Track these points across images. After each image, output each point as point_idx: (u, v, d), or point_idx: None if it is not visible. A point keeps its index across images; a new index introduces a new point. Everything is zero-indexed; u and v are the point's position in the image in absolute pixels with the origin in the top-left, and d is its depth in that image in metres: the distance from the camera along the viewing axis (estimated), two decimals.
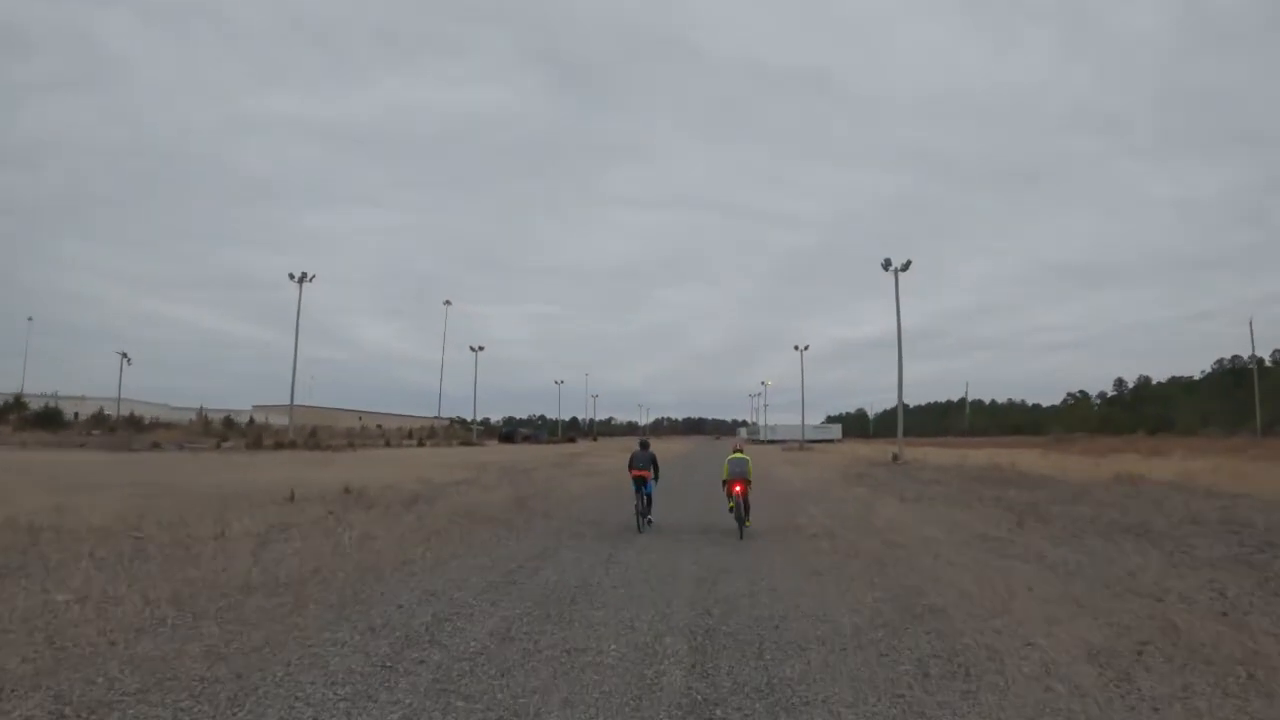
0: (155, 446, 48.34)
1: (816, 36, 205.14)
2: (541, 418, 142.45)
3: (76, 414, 66.89)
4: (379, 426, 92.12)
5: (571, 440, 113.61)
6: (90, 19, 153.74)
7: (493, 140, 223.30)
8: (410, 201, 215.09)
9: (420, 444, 73.67)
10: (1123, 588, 8.53)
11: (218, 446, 48.33)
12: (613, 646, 6.19)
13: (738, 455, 14.03)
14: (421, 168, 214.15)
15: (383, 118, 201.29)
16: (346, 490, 19.29)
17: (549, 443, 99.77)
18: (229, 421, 68.21)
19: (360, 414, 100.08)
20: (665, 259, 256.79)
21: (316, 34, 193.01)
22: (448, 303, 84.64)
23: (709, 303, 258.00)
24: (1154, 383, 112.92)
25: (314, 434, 64.74)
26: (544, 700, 4.94)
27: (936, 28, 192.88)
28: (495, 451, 60.44)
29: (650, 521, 14.13)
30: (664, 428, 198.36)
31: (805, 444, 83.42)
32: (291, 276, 56.04)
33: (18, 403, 62.46)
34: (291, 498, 17.06)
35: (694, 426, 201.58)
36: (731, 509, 13.33)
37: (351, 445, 59.02)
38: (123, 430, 56.66)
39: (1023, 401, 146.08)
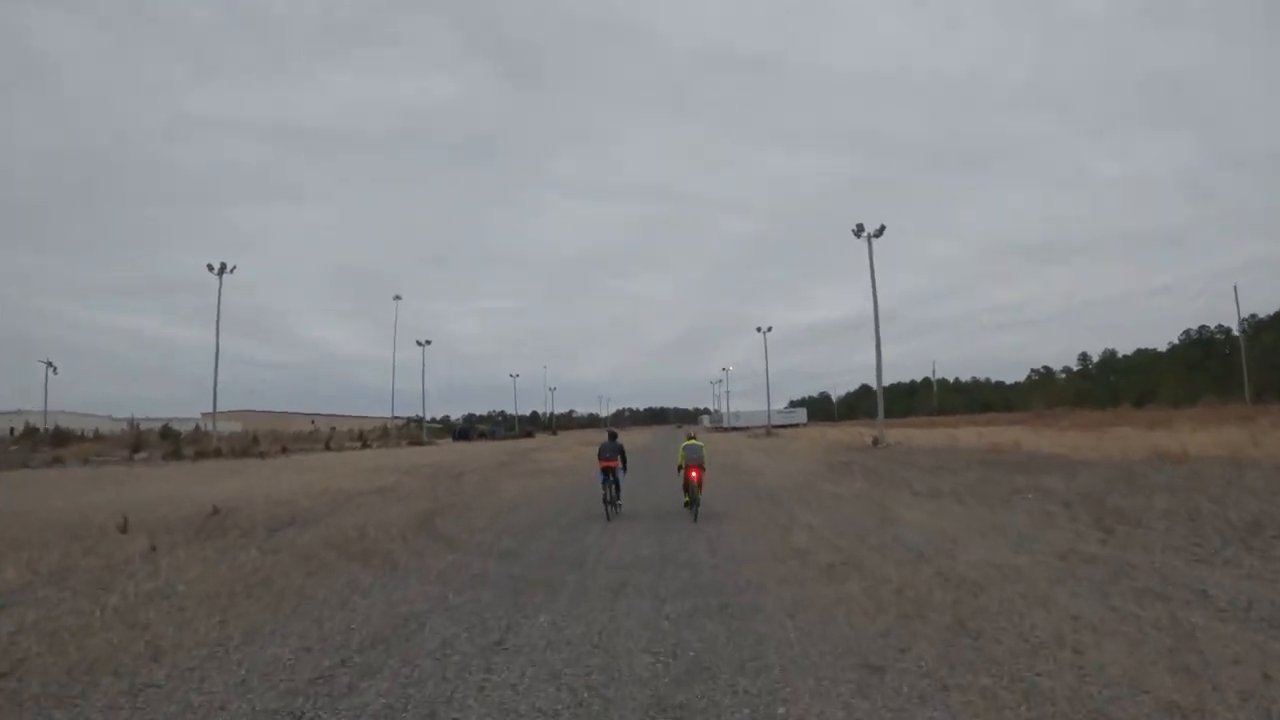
0: (56, 461, 43.36)
1: (764, 19, 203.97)
2: (501, 414, 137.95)
3: (13, 429, 60.80)
4: (333, 429, 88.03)
5: (529, 435, 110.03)
6: (21, 17, 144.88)
7: (439, 133, 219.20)
8: (359, 199, 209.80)
9: (365, 446, 68.83)
10: None
11: (130, 459, 43.06)
12: None
13: (692, 442, 14.40)
14: (368, 164, 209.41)
15: (326, 114, 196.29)
16: (215, 511, 15.50)
17: (506, 439, 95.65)
18: (166, 431, 62.46)
19: (314, 417, 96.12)
20: (619, 249, 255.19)
21: (256, 30, 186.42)
22: (397, 298, 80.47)
23: (664, 292, 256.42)
24: (1120, 355, 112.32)
25: (256, 440, 59.95)
26: None
27: (882, 8, 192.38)
28: (443, 451, 55.84)
29: (620, 507, 14.36)
30: (626, 419, 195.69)
31: (771, 429, 79.70)
32: (210, 268, 50.70)
33: None
34: (124, 527, 13.18)
35: (656, 416, 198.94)
36: (686, 495, 13.96)
37: (285, 451, 54.04)
38: (24, 445, 51.09)
39: (987, 379, 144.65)
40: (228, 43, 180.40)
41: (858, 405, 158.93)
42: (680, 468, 14.01)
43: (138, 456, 43.47)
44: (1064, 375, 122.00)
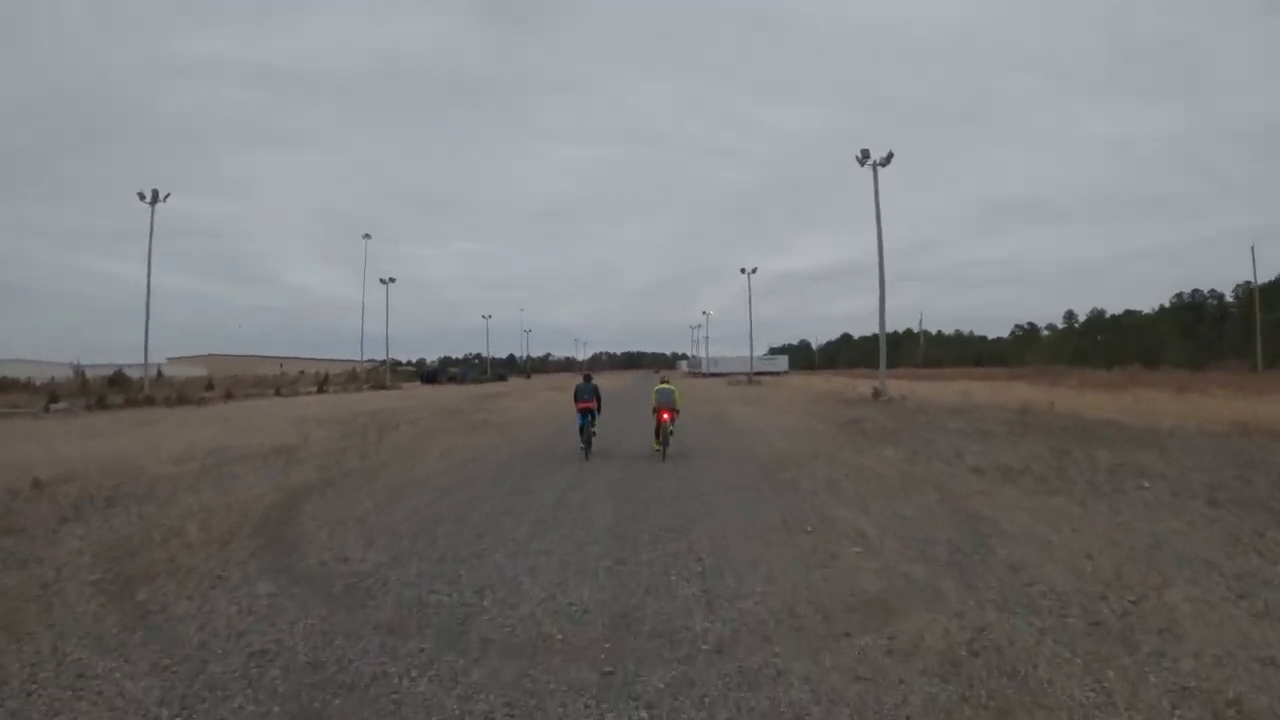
0: None
1: None
2: (477, 357, 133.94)
3: None
4: (301, 373, 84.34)
5: (501, 379, 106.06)
6: None
7: (422, 76, 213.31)
8: (340, 142, 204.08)
9: (322, 390, 64.27)
10: None
11: (46, 409, 38.23)
12: None
13: (665, 386, 15.06)
14: (349, 106, 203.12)
15: (307, 55, 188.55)
16: (36, 484, 11.17)
17: (477, 383, 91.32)
18: (116, 378, 57.24)
19: (282, 360, 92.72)
20: (600, 194, 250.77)
21: None
22: (367, 236, 76.05)
23: (645, 237, 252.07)
24: (1108, 315, 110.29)
25: (207, 386, 56.99)
26: None
27: None
28: (400, 396, 51.35)
29: (594, 434, 14.81)
30: (603, 363, 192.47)
31: (753, 377, 75.85)
32: (142, 197, 45.07)
33: None
34: None
35: (633, 361, 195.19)
36: (657, 435, 14.41)
37: (229, 397, 49.34)
38: None
39: (971, 333, 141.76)
40: None
41: (839, 354, 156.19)
42: (655, 410, 14.57)
43: (55, 407, 38.62)
44: (1048, 332, 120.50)
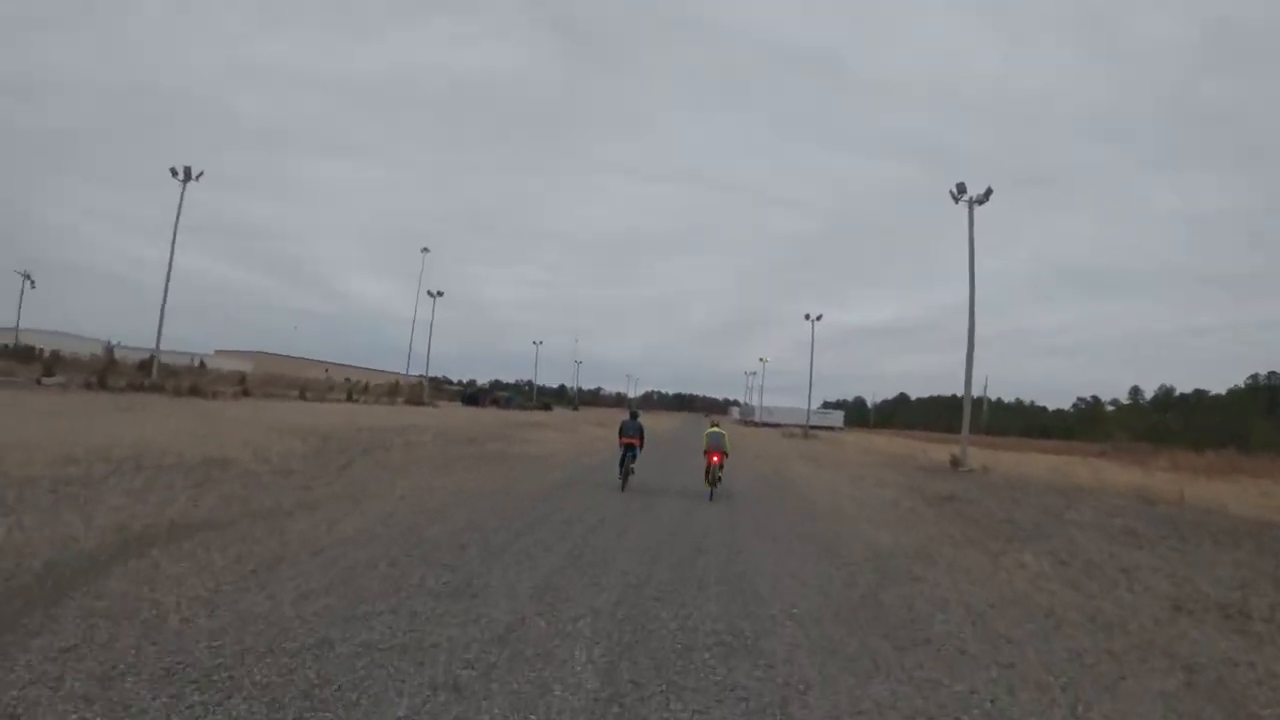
0: None
1: (830, 17, 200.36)
2: (528, 383, 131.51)
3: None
4: (346, 380, 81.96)
5: (546, 408, 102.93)
6: None
7: (497, 102, 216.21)
8: (411, 159, 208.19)
9: (350, 399, 61.70)
10: None
11: (38, 382, 36.39)
12: None
13: (715, 430, 15.96)
14: (424, 125, 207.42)
15: (386, 73, 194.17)
16: None
17: (521, 408, 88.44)
18: (146, 363, 55.82)
19: (328, 366, 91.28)
20: (664, 232, 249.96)
21: None
22: (425, 250, 73.60)
23: (705, 279, 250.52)
24: (1177, 393, 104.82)
25: (240, 380, 54.72)
26: None
27: (950, 20, 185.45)
28: (429, 415, 48.05)
29: (633, 471, 15.34)
30: (654, 402, 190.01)
31: (810, 431, 71.29)
32: (174, 173, 43.16)
33: None
34: None
35: (684, 403, 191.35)
36: (707, 474, 15.03)
37: (247, 393, 47.04)
38: None
39: (1032, 403, 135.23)
40: None
41: (895, 414, 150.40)
42: (705, 452, 15.36)
43: (48, 381, 36.86)
44: (1113, 407, 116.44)
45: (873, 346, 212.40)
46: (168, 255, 43.04)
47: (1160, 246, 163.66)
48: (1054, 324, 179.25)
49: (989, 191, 29.70)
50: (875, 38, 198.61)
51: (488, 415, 55.91)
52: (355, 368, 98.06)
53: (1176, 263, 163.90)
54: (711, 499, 14.16)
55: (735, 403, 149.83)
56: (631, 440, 15.37)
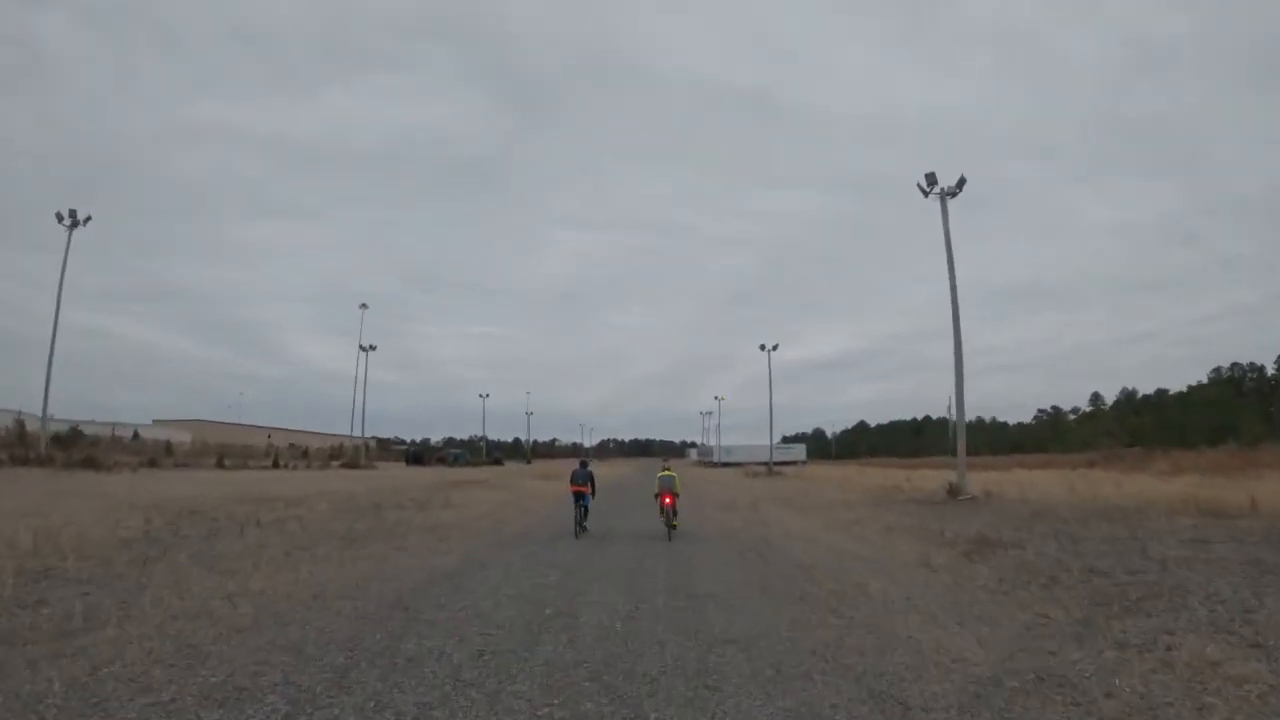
0: None
1: (759, 57, 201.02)
2: (483, 439, 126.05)
3: None
4: (291, 446, 78.85)
5: (497, 463, 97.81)
6: (24, 20, 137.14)
7: (435, 158, 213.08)
8: (352, 218, 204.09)
9: (276, 465, 56.32)
10: None
11: None
12: None
13: (666, 473, 16.05)
14: (363, 183, 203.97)
15: (324, 131, 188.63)
16: None
17: (470, 465, 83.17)
18: (66, 436, 49.89)
19: (270, 432, 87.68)
20: (610, 280, 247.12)
21: (257, 43, 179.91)
22: (364, 306, 69.96)
23: (654, 324, 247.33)
24: (1140, 395, 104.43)
25: (169, 450, 54.34)
26: None
27: (874, 51, 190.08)
28: (361, 478, 43.26)
29: (586, 529, 15.54)
30: (610, 449, 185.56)
31: (774, 467, 67.17)
32: (60, 218, 38.37)
33: None
34: None
35: (641, 448, 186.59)
36: (662, 515, 15.48)
37: (154, 464, 42.04)
38: None
39: (993, 419, 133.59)
40: (230, 54, 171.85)
41: (857, 443, 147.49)
42: (656, 495, 15.93)
43: None
44: (1074, 416, 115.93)
45: (825, 378, 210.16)
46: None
47: (1095, 258, 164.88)
48: (1002, 341, 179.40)
49: (962, 181, 26.35)
50: (804, 74, 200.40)
51: (426, 475, 51.20)
52: (301, 432, 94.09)
53: (1112, 272, 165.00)
54: (670, 539, 14.70)
55: (693, 444, 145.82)
56: (581, 488, 15.77)
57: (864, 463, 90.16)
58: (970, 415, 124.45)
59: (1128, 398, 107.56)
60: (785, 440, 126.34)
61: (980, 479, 29.57)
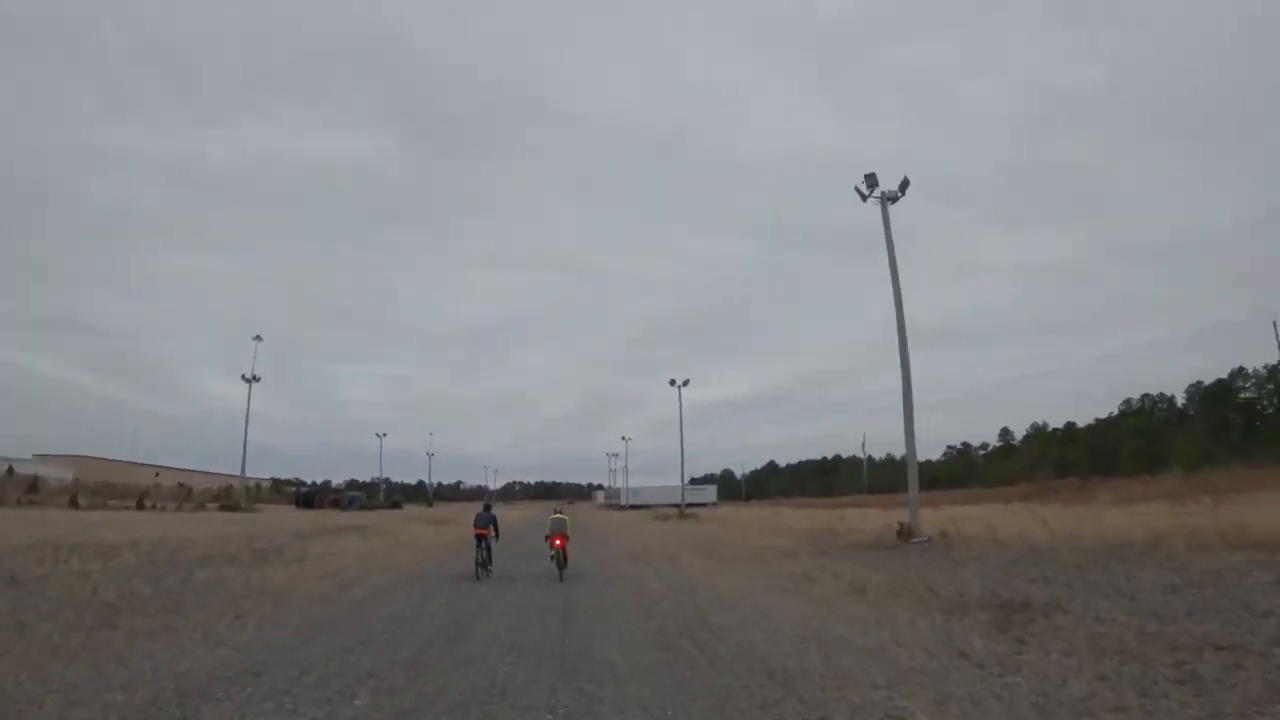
0: None
1: (678, 101, 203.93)
2: (386, 481, 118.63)
3: None
4: (180, 485, 73.98)
5: (395, 506, 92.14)
6: None
7: (348, 193, 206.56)
8: (258, 251, 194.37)
9: (140, 507, 52.00)
10: None
11: None
12: None
13: (559, 516, 16.26)
14: (268, 217, 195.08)
15: (233, 161, 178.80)
16: None
17: (365, 508, 77.37)
18: None
19: (158, 470, 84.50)
20: (520, 320, 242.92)
21: (170, 67, 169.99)
22: (258, 338, 65.93)
23: (563, 365, 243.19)
24: (1050, 429, 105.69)
25: (33, 487, 51.43)
26: None
27: (791, 98, 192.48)
28: (225, 522, 37.88)
29: (490, 571, 15.46)
30: (515, 492, 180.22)
31: (685, 509, 63.55)
32: None
33: None
34: None
35: (547, 490, 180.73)
36: (553, 558, 15.60)
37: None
38: None
39: (903, 457, 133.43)
40: (139, 77, 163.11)
41: (767, 483, 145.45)
42: (547, 537, 15.93)
43: None
44: (983, 451, 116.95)
45: (734, 420, 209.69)
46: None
47: (1001, 300, 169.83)
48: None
49: (905, 183, 23.64)
50: (721, 119, 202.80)
51: (307, 519, 47.31)
52: (192, 471, 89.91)
53: (1018, 313, 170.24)
54: (562, 580, 14.78)
55: (599, 487, 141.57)
56: (484, 531, 15.62)
57: (776, 503, 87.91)
58: (879, 452, 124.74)
59: (1037, 432, 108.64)
60: (694, 481, 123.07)
61: (924, 517, 26.59)
